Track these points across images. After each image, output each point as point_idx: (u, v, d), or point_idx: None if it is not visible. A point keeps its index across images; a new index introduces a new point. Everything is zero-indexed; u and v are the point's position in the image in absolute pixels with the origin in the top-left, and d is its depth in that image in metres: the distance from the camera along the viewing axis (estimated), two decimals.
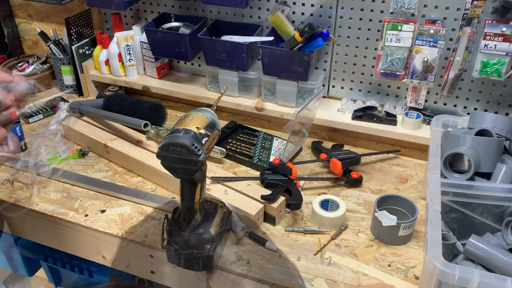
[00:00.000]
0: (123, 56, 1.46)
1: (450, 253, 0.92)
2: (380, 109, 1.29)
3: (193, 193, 0.89)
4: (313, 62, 1.28)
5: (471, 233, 0.88)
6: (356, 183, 1.18)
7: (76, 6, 1.56)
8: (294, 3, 1.30)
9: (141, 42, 1.45)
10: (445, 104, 1.31)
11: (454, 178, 0.97)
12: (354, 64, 1.33)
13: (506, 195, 0.91)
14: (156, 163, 0.88)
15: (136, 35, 1.46)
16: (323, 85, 1.37)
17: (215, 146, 1.23)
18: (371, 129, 1.28)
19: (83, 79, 1.54)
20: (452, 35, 1.18)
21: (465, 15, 1.12)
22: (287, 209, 1.09)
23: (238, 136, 1.36)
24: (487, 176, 0.98)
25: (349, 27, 1.28)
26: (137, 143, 1.26)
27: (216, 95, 1.38)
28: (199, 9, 1.43)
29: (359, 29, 1.27)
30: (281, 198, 1.06)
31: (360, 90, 1.37)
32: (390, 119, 1.28)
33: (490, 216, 0.97)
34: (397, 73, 1.25)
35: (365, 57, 1.31)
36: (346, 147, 1.33)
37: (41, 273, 1.48)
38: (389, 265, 0.97)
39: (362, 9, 1.24)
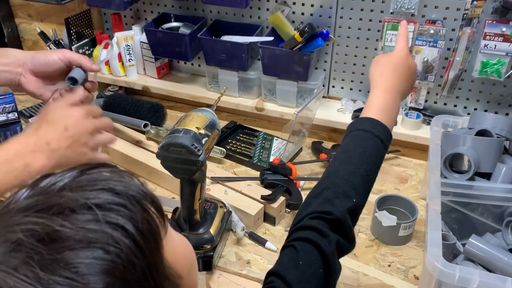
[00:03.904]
0: (123, 56, 1.46)
1: (450, 253, 0.92)
2: None
3: (193, 193, 0.89)
4: (313, 62, 1.28)
5: (471, 233, 0.88)
6: None
7: (76, 6, 1.56)
8: (294, 3, 1.30)
9: (141, 42, 1.45)
10: (445, 104, 1.30)
11: (454, 178, 0.97)
12: (354, 64, 1.33)
13: (506, 195, 0.91)
14: (156, 163, 0.88)
15: (136, 35, 1.46)
16: (323, 85, 1.37)
17: (215, 146, 1.23)
18: None
19: None
20: (452, 35, 1.18)
21: (465, 15, 1.12)
22: (287, 209, 1.09)
23: (238, 136, 1.36)
24: (487, 176, 0.97)
25: (349, 27, 1.28)
26: (137, 143, 1.26)
27: (216, 95, 1.38)
28: (199, 9, 1.42)
29: (359, 29, 1.27)
30: (281, 198, 1.06)
31: (360, 90, 1.37)
32: None
33: (490, 216, 0.97)
34: None
35: (365, 57, 1.31)
36: None
37: None
38: (389, 265, 0.97)
39: (362, 9, 1.24)
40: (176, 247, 0.46)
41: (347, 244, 0.67)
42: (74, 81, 0.89)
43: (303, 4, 1.29)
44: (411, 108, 1.30)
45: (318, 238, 0.63)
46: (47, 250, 0.36)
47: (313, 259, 0.62)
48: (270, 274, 0.62)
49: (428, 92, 1.28)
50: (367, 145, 0.72)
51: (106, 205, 0.40)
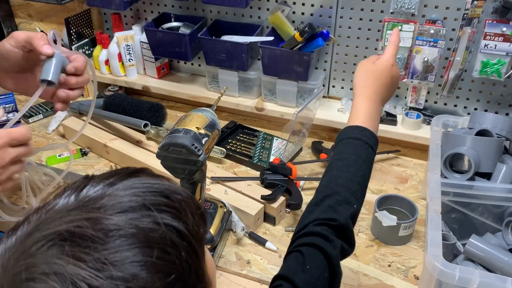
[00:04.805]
0: (123, 56, 1.46)
1: (450, 253, 0.92)
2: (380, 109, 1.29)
3: (193, 193, 0.89)
4: (313, 62, 1.28)
5: (471, 233, 0.88)
6: None
7: (76, 6, 1.56)
8: (294, 3, 1.30)
9: (141, 42, 1.45)
10: (445, 104, 1.30)
11: (454, 178, 0.97)
12: (354, 64, 1.33)
13: (506, 195, 0.91)
14: (156, 163, 0.88)
15: (136, 35, 1.45)
16: (323, 85, 1.37)
17: (215, 146, 1.23)
18: None
19: None
20: (452, 35, 1.18)
21: (465, 15, 1.11)
22: (287, 209, 1.09)
23: (238, 136, 1.36)
24: (487, 176, 0.97)
25: (349, 27, 1.28)
26: (137, 143, 1.26)
27: (216, 95, 1.38)
28: (199, 9, 1.42)
29: (359, 29, 1.27)
30: (281, 198, 1.06)
31: None
32: (390, 119, 1.28)
33: (490, 216, 0.97)
34: None
35: (365, 57, 1.31)
36: None
37: None
38: (389, 265, 0.97)
39: (362, 9, 1.24)
40: (207, 254, 0.48)
41: (349, 248, 0.70)
42: (49, 81, 0.80)
43: (303, 4, 1.29)
44: (411, 108, 1.30)
45: (323, 243, 0.65)
46: (108, 245, 0.37)
47: (318, 263, 0.64)
48: (277, 277, 0.63)
49: (428, 92, 1.28)
50: (360, 152, 0.75)
51: (162, 207, 0.41)
